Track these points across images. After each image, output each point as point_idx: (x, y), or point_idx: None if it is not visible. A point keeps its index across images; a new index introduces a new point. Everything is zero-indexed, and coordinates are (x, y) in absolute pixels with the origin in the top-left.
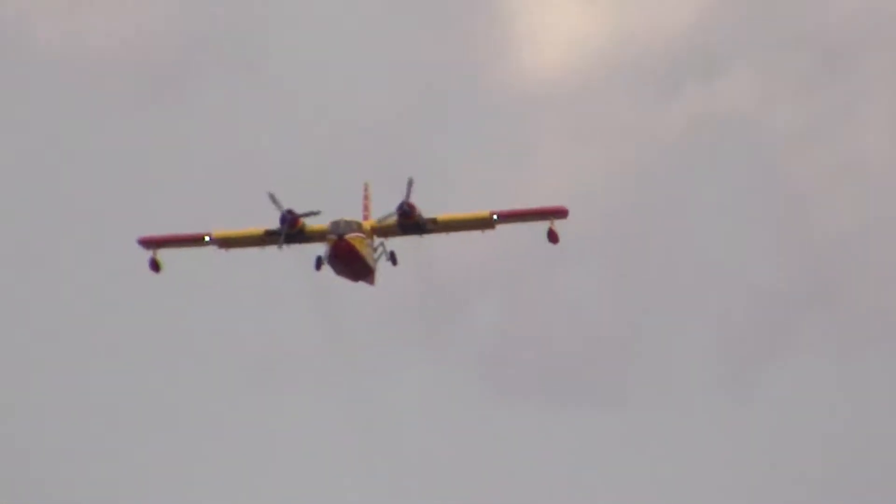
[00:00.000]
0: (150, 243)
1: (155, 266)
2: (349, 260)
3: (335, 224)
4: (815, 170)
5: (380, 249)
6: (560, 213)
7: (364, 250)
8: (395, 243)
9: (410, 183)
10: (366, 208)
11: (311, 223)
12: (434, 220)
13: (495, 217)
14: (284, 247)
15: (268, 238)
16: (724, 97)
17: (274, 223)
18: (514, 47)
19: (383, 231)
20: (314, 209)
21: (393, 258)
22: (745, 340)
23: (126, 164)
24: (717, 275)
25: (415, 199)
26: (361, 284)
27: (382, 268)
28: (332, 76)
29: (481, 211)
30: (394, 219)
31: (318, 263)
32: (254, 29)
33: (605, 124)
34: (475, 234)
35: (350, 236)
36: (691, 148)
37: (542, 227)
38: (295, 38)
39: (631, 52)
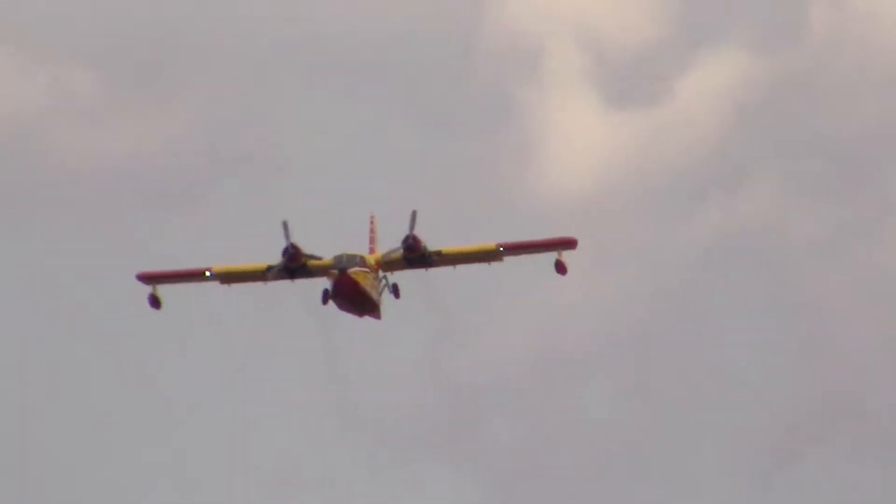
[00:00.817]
0: (150, 279)
1: (155, 302)
2: (353, 295)
3: (338, 258)
4: (840, 281)
5: (383, 282)
6: (569, 244)
7: (368, 285)
8: (400, 276)
9: (414, 216)
10: (371, 241)
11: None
12: (439, 253)
13: (501, 249)
14: (283, 282)
15: (270, 273)
16: (748, 209)
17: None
18: (536, 163)
19: (388, 265)
20: (318, 255)
21: (396, 291)
22: (764, 453)
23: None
24: (739, 387)
25: (419, 232)
26: (367, 319)
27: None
28: (351, 195)
29: (487, 243)
30: (399, 252)
31: (325, 297)
32: (272, 140)
33: (627, 239)
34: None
35: (353, 271)
36: (715, 260)
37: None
38: (310, 160)
39: (653, 168)
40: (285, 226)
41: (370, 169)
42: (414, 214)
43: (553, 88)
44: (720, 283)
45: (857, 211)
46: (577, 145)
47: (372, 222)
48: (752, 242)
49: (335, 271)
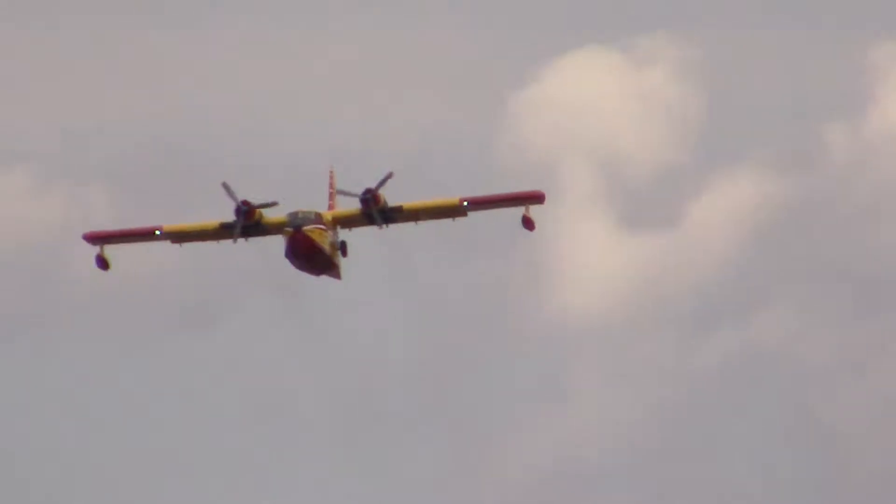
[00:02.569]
0: (97, 239)
1: (103, 263)
2: (308, 254)
3: (292, 215)
4: (856, 405)
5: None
6: (536, 199)
7: (324, 242)
8: (358, 233)
9: (389, 176)
10: (331, 197)
11: (269, 214)
12: (400, 209)
13: (465, 203)
14: (241, 240)
15: (223, 231)
16: (763, 332)
17: (229, 215)
18: (546, 284)
19: (345, 221)
20: (270, 200)
21: (343, 249)
22: None
23: None
24: None
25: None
26: (326, 279)
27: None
28: (363, 327)
29: (450, 198)
30: (356, 207)
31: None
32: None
33: (638, 361)
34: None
35: (308, 228)
36: (730, 383)
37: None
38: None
39: (665, 289)
40: (227, 187)
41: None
42: (389, 175)
43: (567, 208)
44: (735, 406)
45: (872, 335)
46: (590, 266)
47: (331, 177)
48: (767, 366)
49: (289, 229)
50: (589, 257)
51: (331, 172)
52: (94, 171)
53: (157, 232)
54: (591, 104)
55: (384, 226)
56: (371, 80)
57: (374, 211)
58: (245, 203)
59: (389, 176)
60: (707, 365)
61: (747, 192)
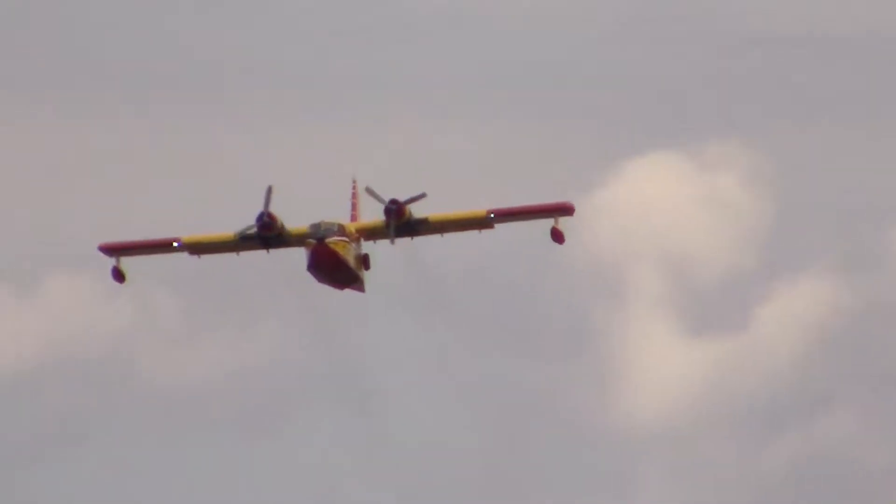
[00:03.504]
0: (112, 250)
1: (118, 276)
2: (331, 266)
3: (314, 226)
4: None
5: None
6: (566, 210)
7: (348, 255)
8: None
9: (421, 196)
10: (354, 208)
11: (292, 225)
12: (425, 221)
13: (492, 215)
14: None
15: (243, 242)
16: (828, 438)
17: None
18: (613, 387)
19: (370, 234)
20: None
21: (365, 262)
22: None
23: None
24: None
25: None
26: (349, 292)
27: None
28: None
29: (477, 210)
30: (381, 219)
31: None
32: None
33: (703, 465)
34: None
35: (331, 240)
36: (792, 490)
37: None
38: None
39: (731, 393)
40: (269, 191)
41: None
42: (421, 196)
43: (632, 311)
44: None
45: None
46: (656, 369)
47: (354, 188)
48: (833, 471)
49: (312, 240)
50: (655, 360)
51: (353, 183)
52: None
53: (176, 243)
54: (660, 208)
55: (410, 238)
56: (439, 178)
57: (397, 224)
58: (269, 216)
59: (422, 196)
60: (773, 470)
61: (814, 297)
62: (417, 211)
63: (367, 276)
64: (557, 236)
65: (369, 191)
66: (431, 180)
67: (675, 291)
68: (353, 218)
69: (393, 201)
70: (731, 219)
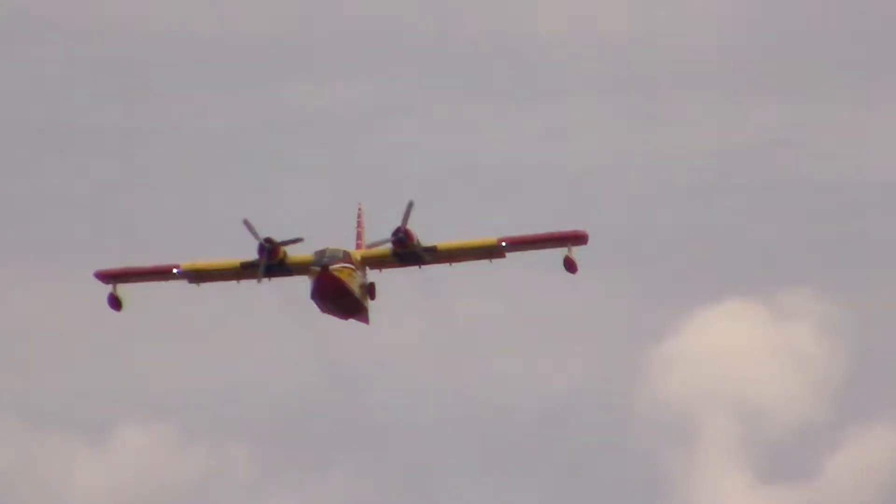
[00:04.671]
0: (109, 277)
1: (115, 303)
2: (336, 295)
3: (319, 254)
4: None
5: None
6: (579, 239)
7: (353, 283)
8: (389, 275)
9: (410, 206)
10: (359, 236)
11: (294, 252)
12: (434, 249)
13: (504, 244)
14: (264, 280)
15: (244, 270)
16: None
17: (251, 254)
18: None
19: (376, 261)
20: (296, 236)
21: (371, 291)
22: None
23: None
24: None
25: (413, 226)
26: (353, 322)
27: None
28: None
29: (487, 237)
30: (387, 247)
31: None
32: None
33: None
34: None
35: (336, 267)
36: None
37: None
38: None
39: None
40: (248, 224)
41: None
42: (410, 204)
43: (704, 459)
44: None
45: None
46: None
47: (360, 215)
48: None
49: (316, 268)
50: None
51: (359, 209)
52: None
53: (175, 270)
54: (732, 357)
55: (419, 267)
56: (514, 332)
57: (407, 251)
58: (268, 241)
59: (411, 206)
60: None
61: (886, 448)
62: (425, 237)
63: (372, 306)
64: (570, 266)
65: (372, 244)
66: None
67: (748, 440)
68: (358, 246)
69: (398, 230)
70: (804, 368)
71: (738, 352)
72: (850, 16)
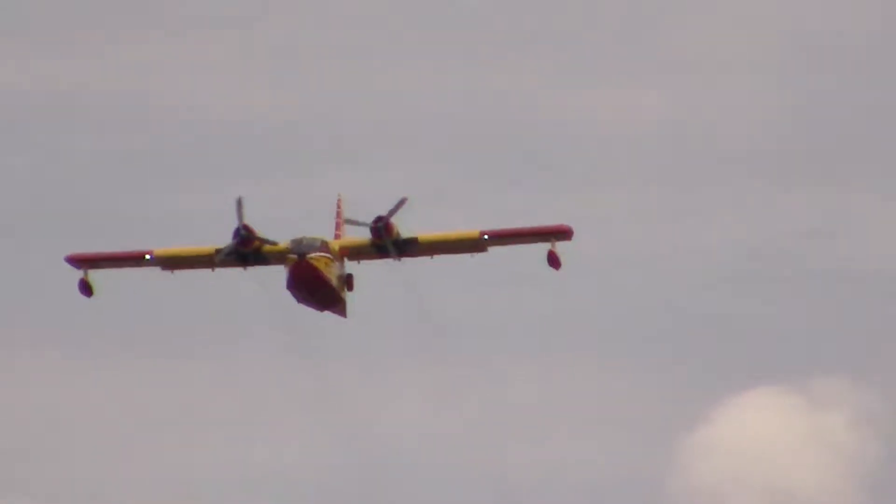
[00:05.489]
0: (81, 262)
1: (86, 289)
2: (312, 284)
3: (296, 242)
4: None
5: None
6: (563, 234)
7: (331, 274)
8: (368, 268)
9: (402, 201)
10: (338, 227)
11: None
12: (415, 241)
13: (485, 237)
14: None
15: (219, 258)
16: None
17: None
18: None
19: (355, 253)
20: (273, 239)
21: (349, 282)
22: None
23: None
24: None
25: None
26: (329, 315)
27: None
28: None
29: (470, 231)
30: (366, 237)
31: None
32: None
33: None
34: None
35: (313, 256)
36: None
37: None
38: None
39: None
40: (239, 203)
41: None
42: (402, 201)
43: None
44: None
45: None
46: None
47: (339, 205)
48: None
49: (293, 256)
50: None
51: (338, 200)
52: None
53: (148, 256)
54: (764, 446)
55: (398, 259)
56: (545, 418)
57: (388, 242)
58: (246, 227)
59: (403, 202)
60: None
61: None
62: (406, 230)
63: (351, 298)
64: (554, 261)
65: (349, 221)
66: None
67: None
68: (337, 237)
69: (378, 218)
70: (838, 457)
71: (771, 441)
72: (881, 107)
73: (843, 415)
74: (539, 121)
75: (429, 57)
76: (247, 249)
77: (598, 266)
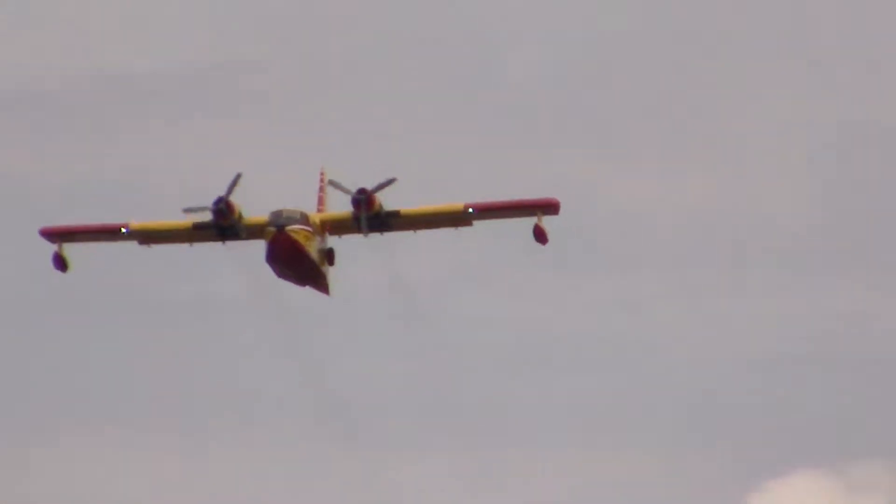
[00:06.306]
0: (55, 235)
1: (60, 263)
2: (291, 258)
3: (275, 214)
4: None
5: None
6: (550, 207)
7: (311, 247)
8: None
9: (390, 181)
10: (321, 201)
11: (251, 215)
12: (397, 214)
13: (471, 210)
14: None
15: (196, 233)
16: None
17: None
18: None
19: (336, 227)
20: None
21: (330, 257)
22: None
23: None
24: None
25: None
26: (312, 291)
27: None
28: None
29: (454, 203)
30: (348, 211)
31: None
32: None
33: None
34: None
35: (292, 228)
36: None
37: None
38: None
39: None
40: (236, 179)
41: None
42: (390, 181)
43: None
44: None
45: None
46: None
47: (322, 179)
48: None
49: (272, 229)
50: None
51: (321, 174)
52: None
53: (124, 230)
54: None
55: (380, 234)
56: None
57: (365, 216)
58: (225, 202)
59: (391, 182)
60: None
61: None
62: (389, 203)
63: (332, 274)
64: (540, 236)
65: (334, 183)
66: None
67: None
68: (320, 212)
69: (361, 190)
70: None
71: None
72: None
73: (881, 500)
74: (586, 203)
75: (478, 133)
76: (225, 223)
77: (636, 348)
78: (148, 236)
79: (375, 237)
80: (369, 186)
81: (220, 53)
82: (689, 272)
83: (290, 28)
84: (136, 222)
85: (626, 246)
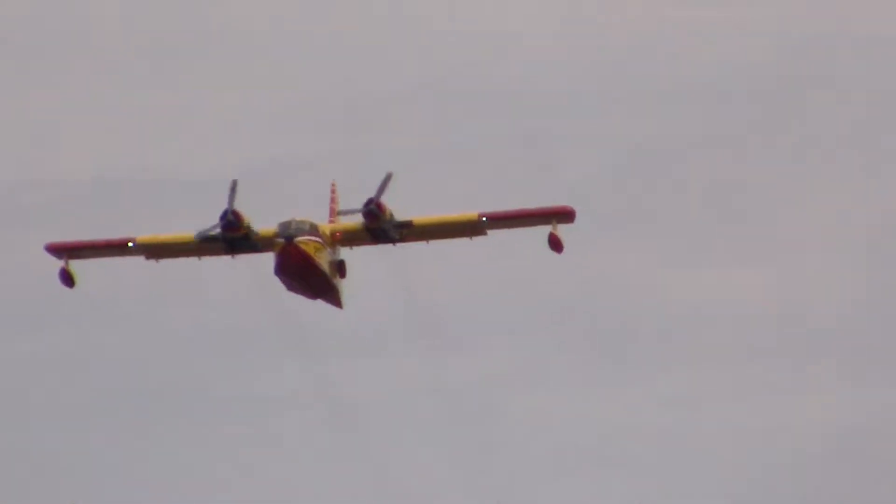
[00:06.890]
0: (61, 251)
1: (67, 279)
2: (301, 270)
3: (284, 225)
4: None
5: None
6: (565, 215)
7: (321, 259)
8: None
9: (388, 178)
10: (332, 212)
11: (260, 227)
12: (410, 224)
13: (484, 219)
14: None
15: (204, 245)
16: None
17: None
18: None
19: (348, 238)
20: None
21: (341, 269)
22: None
23: None
24: None
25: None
26: (322, 304)
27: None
28: None
29: (468, 213)
30: (358, 220)
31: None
32: None
33: None
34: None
35: (301, 240)
36: None
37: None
38: None
39: None
40: (233, 187)
41: None
42: (388, 176)
43: None
44: None
45: None
46: None
47: (333, 191)
48: None
49: (280, 240)
50: None
51: (332, 186)
52: None
53: (131, 244)
54: None
55: (393, 244)
56: None
57: (382, 225)
58: (233, 213)
59: (389, 177)
60: None
61: None
62: (401, 213)
63: (344, 286)
64: (556, 244)
65: (342, 211)
66: None
67: None
68: (331, 222)
69: (368, 202)
70: None
71: None
72: None
73: None
74: (636, 299)
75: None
76: (234, 235)
77: (686, 444)
78: (155, 250)
79: (388, 248)
80: (371, 194)
81: None
82: (736, 366)
83: None
84: (143, 236)
85: (687, 341)
